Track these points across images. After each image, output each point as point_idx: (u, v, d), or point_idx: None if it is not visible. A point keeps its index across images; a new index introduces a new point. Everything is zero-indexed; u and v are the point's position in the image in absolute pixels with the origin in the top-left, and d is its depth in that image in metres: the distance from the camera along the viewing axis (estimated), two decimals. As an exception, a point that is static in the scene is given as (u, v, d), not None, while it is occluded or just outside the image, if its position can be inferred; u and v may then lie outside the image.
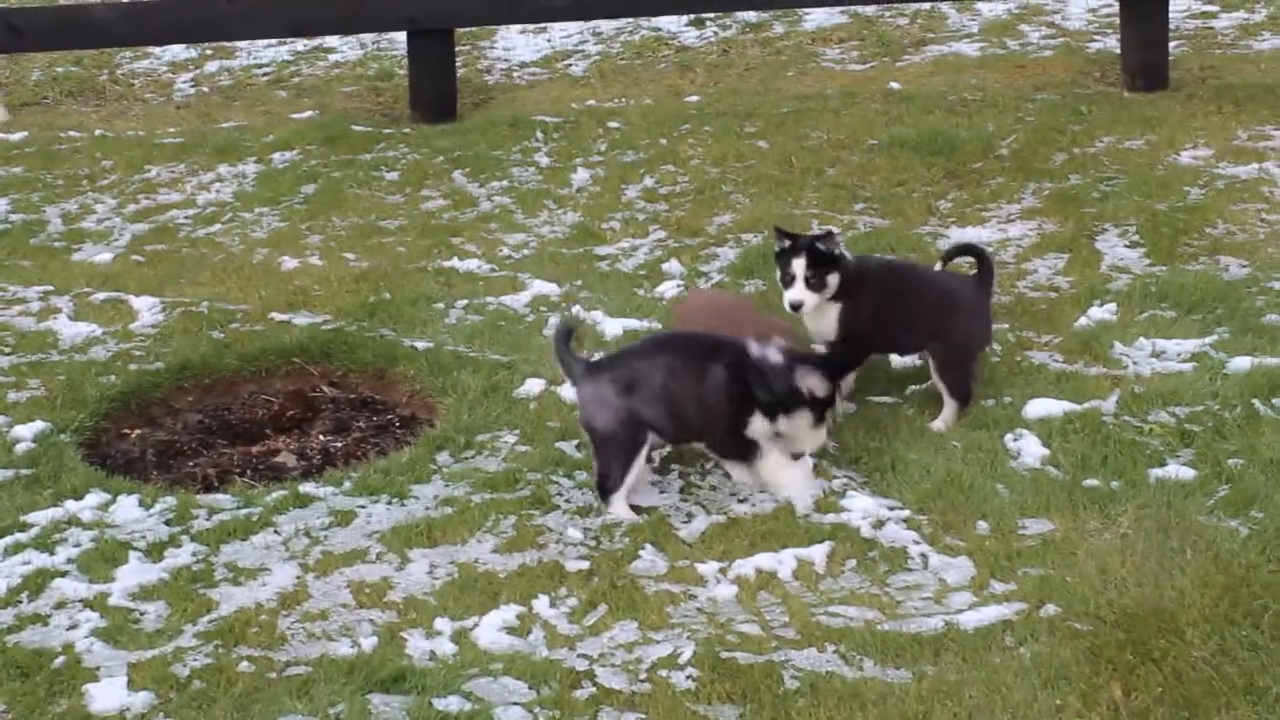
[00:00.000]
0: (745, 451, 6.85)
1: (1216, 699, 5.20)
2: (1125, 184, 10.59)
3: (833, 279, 7.28)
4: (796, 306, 7.30)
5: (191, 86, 15.09)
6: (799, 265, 7.25)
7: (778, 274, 7.38)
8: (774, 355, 6.82)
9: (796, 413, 6.83)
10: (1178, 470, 6.74)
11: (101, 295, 9.56)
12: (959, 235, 9.93)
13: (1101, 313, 8.45)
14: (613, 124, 12.56)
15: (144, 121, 13.85)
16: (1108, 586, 5.92)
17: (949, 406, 7.42)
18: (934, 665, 5.51)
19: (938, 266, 7.96)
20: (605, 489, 6.72)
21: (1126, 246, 9.59)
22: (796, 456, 6.90)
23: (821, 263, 7.25)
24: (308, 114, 13.66)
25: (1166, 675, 5.34)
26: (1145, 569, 6.02)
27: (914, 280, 7.75)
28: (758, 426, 6.81)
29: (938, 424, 7.37)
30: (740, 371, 6.78)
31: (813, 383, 6.79)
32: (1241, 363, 7.67)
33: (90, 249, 10.56)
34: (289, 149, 12.43)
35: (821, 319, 7.43)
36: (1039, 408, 7.37)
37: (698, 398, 6.73)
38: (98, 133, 13.34)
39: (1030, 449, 7.04)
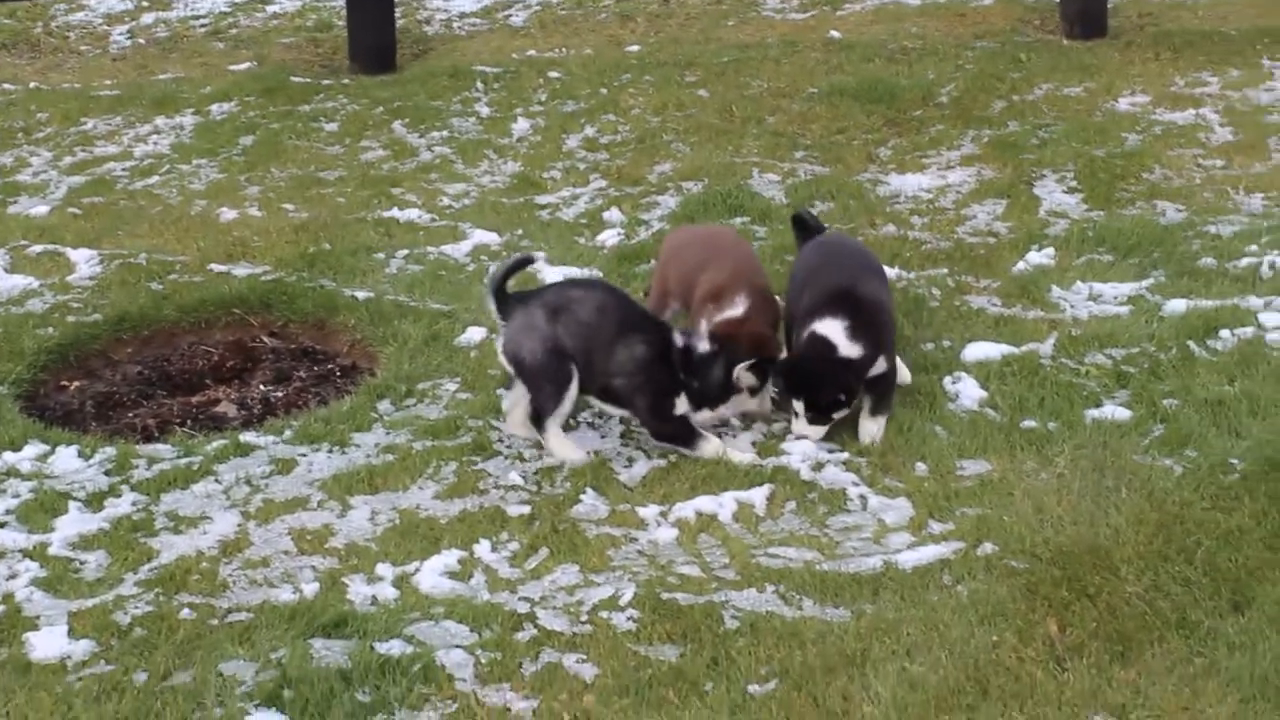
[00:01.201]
0: (678, 431, 6.76)
1: (1150, 633, 5.27)
2: (1063, 130, 10.66)
3: (841, 414, 6.74)
4: (801, 437, 6.78)
5: (127, 38, 14.95)
6: (799, 405, 6.72)
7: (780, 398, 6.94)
8: (702, 344, 6.75)
9: (729, 401, 6.85)
10: (1114, 411, 6.81)
11: (38, 248, 9.47)
12: (898, 182, 9.96)
13: (1039, 257, 8.51)
14: (553, 74, 12.53)
15: (79, 74, 13.73)
16: (1044, 525, 5.98)
17: None
18: (872, 604, 5.55)
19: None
20: (540, 415, 6.69)
21: (1064, 192, 9.66)
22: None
23: (829, 408, 6.70)
24: (245, 65, 13.57)
25: (1101, 611, 5.40)
26: (1081, 508, 6.08)
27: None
28: (684, 407, 6.79)
29: None
30: (662, 352, 6.73)
31: (747, 378, 6.76)
32: (1177, 305, 7.75)
33: (26, 202, 10.46)
34: (227, 100, 12.34)
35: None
36: (977, 351, 7.41)
37: (610, 351, 6.68)
38: (32, 85, 13.22)
39: (968, 391, 7.08)
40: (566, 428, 6.88)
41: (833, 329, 6.63)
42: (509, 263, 6.89)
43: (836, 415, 6.72)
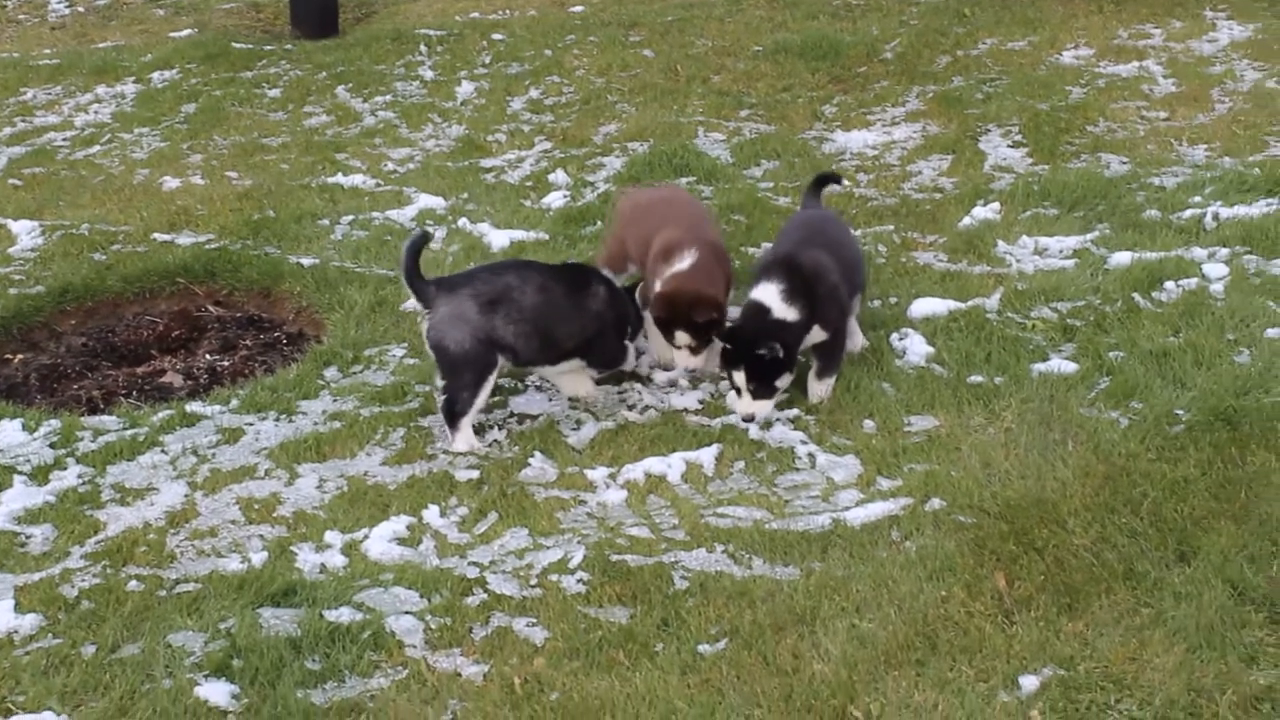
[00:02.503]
0: (624, 355, 6.91)
1: (1097, 585, 5.29)
2: (1008, 85, 10.68)
3: (784, 381, 6.64)
4: (749, 419, 6.64)
5: (66, 7, 14.81)
6: (740, 378, 6.61)
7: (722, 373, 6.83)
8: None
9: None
10: (1060, 364, 6.83)
11: (-22, 220, 9.41)
12: (844, 139, 9.96)
13: (985, 212, 8.52)
14: (497, 36, 12.47)
15: (18, 43, 13.60)
16: (991, 479, 6.00)
17: None
18: (821, 561, 5.56)
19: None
20: (454, 413, 6.55)
21: (1009, 146, 9.68)
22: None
23: (768, 372, 6.58)
24: (186, 32, 13.46)
25: (1049, 564, 5.42)
26: (1028, 461, 6.10)
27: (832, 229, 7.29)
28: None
29: None
30: (611, 288, 6.84)
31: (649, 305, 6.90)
32: (1122, 258, 7.77)
33: (-35, 174, 10.38)
34: (168, 68, 12.25)
35: (812, 338, 6.76)
36: (924, 307, 7.43)
37: (577, 315, 6.69)
38: (-30, 55, 13.08)
39: (916, 348, 7.09)
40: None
41: (768, 293, 6.61)
42: (410, 244, 6.58)
43: (779, 383, 6.62)
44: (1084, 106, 10.19)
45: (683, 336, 6.79)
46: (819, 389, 6.78)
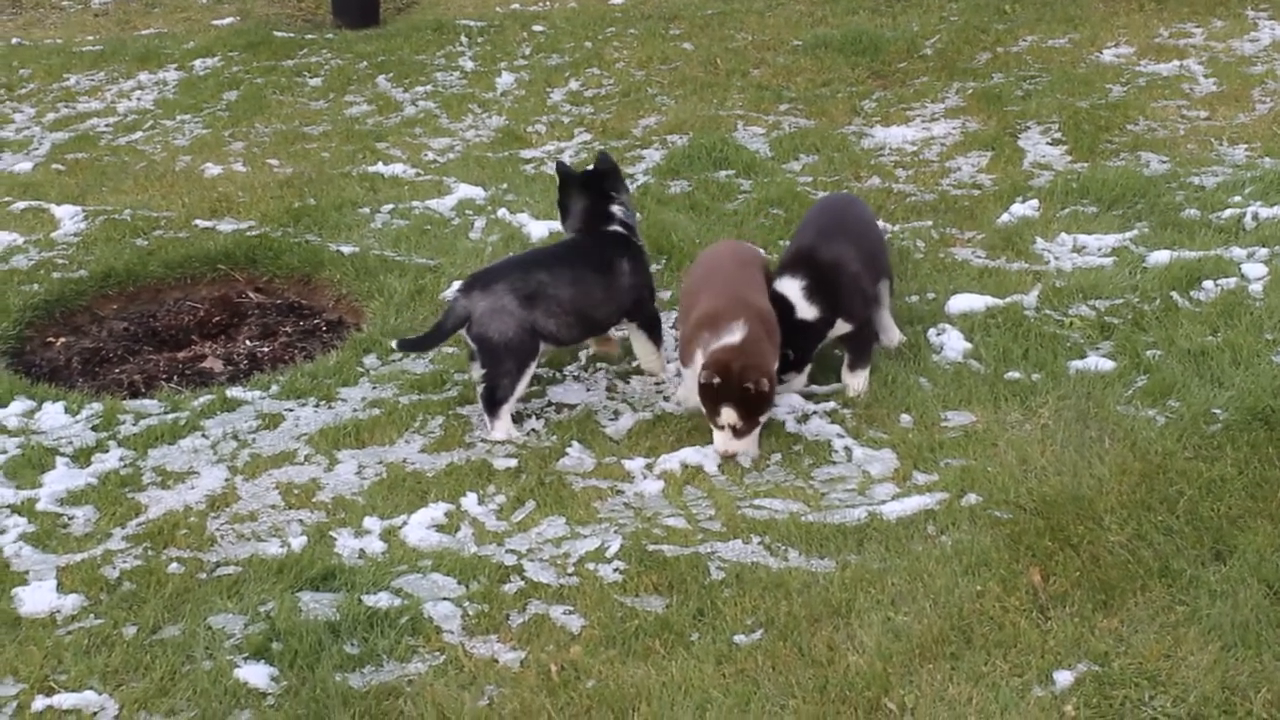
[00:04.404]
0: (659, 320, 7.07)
1: (1132, 582, 5.30)
2: (1048, 82, 10.66)
3: (789, 375, 6.67)
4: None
5: (110, -7, 14.90)
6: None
7: None
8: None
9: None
10: (1097, 362, 6.83)
11: (22, 204, 9.46)
12: (883, 135, 9.97)
13: (1024, 209, 8.52)
14: (537, 28, 12.50)
15: (62, 29, 13.68)
16: (1028, 475, 6.01)
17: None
18: (857, 554, 5.58)
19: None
20: (495, 400, 6.59)
21: (1049, 144, 9.67)
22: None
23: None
24: (229, 20, 13.53)
25: (1084, 560, 5.43)
26: (1065, 458, 6.10)
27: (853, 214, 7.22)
28: None
29: None
30: (641, 257, 6.95)
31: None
32: (1161, 256, 7.76)
33: (9, 158, 10.45)
34: (210, 56, 12.31)
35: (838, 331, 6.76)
36: (962, 303, 7.43)
37: (613, 295, 6.79)
38: (15, 41, 13.17)
39: (953, 343, 7.10)
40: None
41: (791, 288, 6.61)
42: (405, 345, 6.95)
43: (784, 377, 6.65)
44: (1124, 105, 10.17)
45: (729, 414, 6.29)
46: (854, 382, 6.80)
